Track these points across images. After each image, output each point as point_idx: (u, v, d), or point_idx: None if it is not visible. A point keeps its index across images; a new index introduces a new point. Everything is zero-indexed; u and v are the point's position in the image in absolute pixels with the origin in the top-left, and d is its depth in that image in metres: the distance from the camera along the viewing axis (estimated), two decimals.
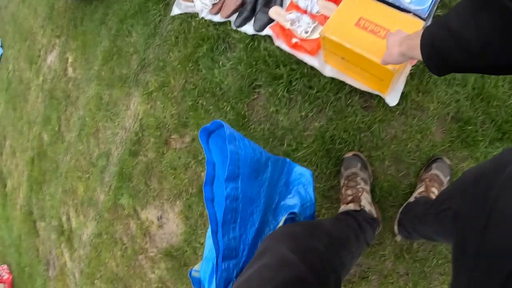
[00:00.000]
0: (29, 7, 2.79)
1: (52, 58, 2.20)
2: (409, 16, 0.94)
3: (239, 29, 1.20)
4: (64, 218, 1.96)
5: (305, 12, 1.13)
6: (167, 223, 1.39)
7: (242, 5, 1.24)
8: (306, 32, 1.09)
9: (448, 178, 0.95)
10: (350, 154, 1.02)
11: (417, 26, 0.91)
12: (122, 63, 1.55)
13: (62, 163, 1.90)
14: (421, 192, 0.92)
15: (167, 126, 1.31)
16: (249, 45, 1.15)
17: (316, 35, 1.11)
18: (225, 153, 0.59)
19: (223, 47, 1.21)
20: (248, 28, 1.19)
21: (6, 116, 2.76)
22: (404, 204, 0.95)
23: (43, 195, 2.13)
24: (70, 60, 1.98)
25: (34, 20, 2.63)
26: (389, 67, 0.87)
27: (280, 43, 1.12)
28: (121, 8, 1.66)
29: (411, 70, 1.04)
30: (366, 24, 0.93)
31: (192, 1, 1.33)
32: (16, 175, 2.55)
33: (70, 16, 2.09)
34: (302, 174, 0.76)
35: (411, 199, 0.94)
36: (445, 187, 0.93)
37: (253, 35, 1.16)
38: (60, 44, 2.13)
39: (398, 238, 1.00)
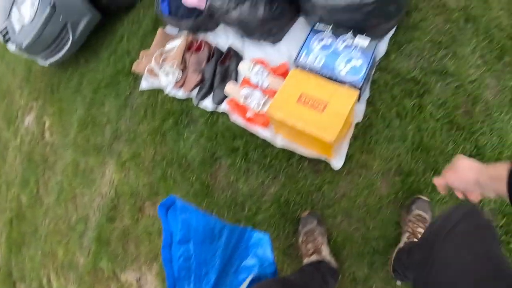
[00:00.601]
0: (8, 66, 2.88)
1: (29, 120, 2.28)
2: (345, 87, 1.08)
3: (200, 103, 1.35)
4: (44, 281, 1.96)
5: (256, 86, 1.28)
6: (146, 284, 1.45)
7: (202, 81, 1.39)
8: (259, 106, 1.24)
9: (429, 213, 1.03)
10: (306, 213, 1.14)
11: (352, 96, 1.04)
12: (96, 132, 1.66)
13: (41, 226, 1.93)
14: (409, 236, 0.98)
15: (140, 194, 1.41)
16: (209, 120, 1.29)
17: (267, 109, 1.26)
18: (178, 222, 0.73)
19: (186, 121, 1.35)
20: (208, 103, 1.33)
21: None
22: (396, 250, 1.00)
23: (22, 257, 2.13)
24: (47, 125, 2.06)
25: (13, 80, 2.71)
26: (327, 139, 0.99)
27: (236, 117, 1.27)
28: (94, 77, 1.79)
29: (353, 132, 1.19)
30: (306, 100, 1.06)
31: (158, 77, 1.47)
32: None
33: (47, 81, 2.20)
34: (260, 238, 0.87)
35: (401, 244, 1.00)
36: (429, 223, 1.00)
37: (212, 111, 1.30)
38: (38, 108, 2.22)
39: (399, 282, 1.04)
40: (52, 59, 1.98)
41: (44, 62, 2.08)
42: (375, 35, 1.25)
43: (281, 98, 1.10)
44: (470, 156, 1.06)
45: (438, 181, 0.66)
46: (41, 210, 1.95)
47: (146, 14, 1.75)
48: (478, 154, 1.09)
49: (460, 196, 0.63)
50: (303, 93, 1.08)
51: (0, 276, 2.41)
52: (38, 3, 1.82)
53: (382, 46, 1.28)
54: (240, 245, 0.88)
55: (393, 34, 1.30)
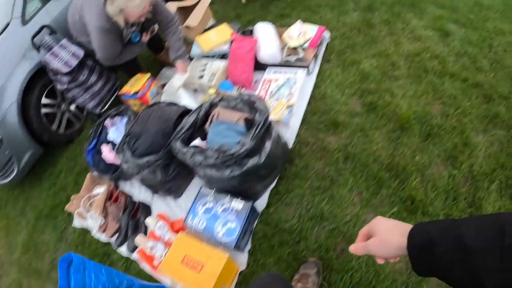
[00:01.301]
0: None
1: None
2: (219, 249, 1.36)
3: (118, 248, 1.70)
4: None
5: (159, 239, 1.64)
6: None
7: (119, 228, 1.74)
8: (161, 256, 1.60)
9: (315, 270, 1.20)
10: None
11: (222, 258, 1.32)
12: (37, 258, 1.95)
13: None
14: None
15: None
16: (125, 264, 1.65)
17: None
18: (72, 281, 0.79)
19: (108, 263, 1.69)
20: (124, 249, 1.68)
21: None
22: None
23: None
24: None
25: None
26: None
27: (144, 265, 1.62)
28: (37, 205, 2.08)
29: (238, 279, 1.42)
30: (188, 261, 1.36)
31: (86, 219, 1.81)
32: None
33: None
34: None
35: None
36: (314, 278, 1.18)
37: (127, 256, 1.65)
38: None
39: None
40: (0, 183, 2.25)
41: None
42: (254, 193, 1.54)
43: (169, 259, 1.40)
44: None
45: (356, 249, 0.57)
46: None
47: (81, 152, 2.10)
48: None
49: (381, 262, 0.55)
50: (186, 255, 1.38)
51: None
52: None
53: (263, 200, 1.52)
54: None
55: (274, 186, 1.53)
